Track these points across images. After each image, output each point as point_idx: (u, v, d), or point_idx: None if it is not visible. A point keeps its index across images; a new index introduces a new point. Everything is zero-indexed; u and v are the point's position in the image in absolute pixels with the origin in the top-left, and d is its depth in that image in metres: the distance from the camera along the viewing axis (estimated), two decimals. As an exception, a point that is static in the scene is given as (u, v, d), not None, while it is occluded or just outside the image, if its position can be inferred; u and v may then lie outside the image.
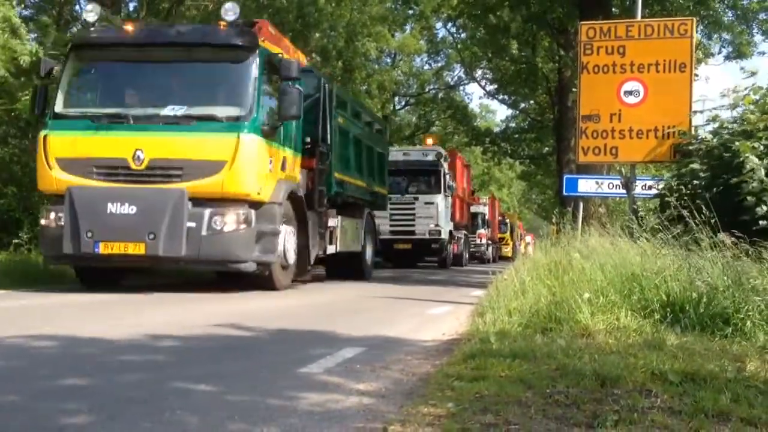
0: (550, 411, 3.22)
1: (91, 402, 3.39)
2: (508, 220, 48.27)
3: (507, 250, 45.11)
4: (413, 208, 22.71)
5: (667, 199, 8.28)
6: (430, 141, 25.39)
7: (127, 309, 7.81)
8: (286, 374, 4.14)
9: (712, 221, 6.38)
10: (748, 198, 7.75)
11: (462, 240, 27.43)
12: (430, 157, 23.16)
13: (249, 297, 9.55)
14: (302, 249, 11.05)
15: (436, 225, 22.67)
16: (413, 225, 22.62)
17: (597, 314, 5.53)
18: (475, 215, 35.07)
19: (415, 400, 3.47)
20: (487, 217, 37.68)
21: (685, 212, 6.63)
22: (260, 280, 10.14)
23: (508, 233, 46.83)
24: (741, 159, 7.96)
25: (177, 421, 3.10)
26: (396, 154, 22.18)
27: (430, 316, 7.64)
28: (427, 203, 22.72)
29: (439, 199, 22.96)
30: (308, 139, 11.74)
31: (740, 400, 3.33)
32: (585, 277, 6.47)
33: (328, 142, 12.25)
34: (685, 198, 8.04)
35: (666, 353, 4.34)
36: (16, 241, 13.22)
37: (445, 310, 8.16)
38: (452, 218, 25.23)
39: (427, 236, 22.64)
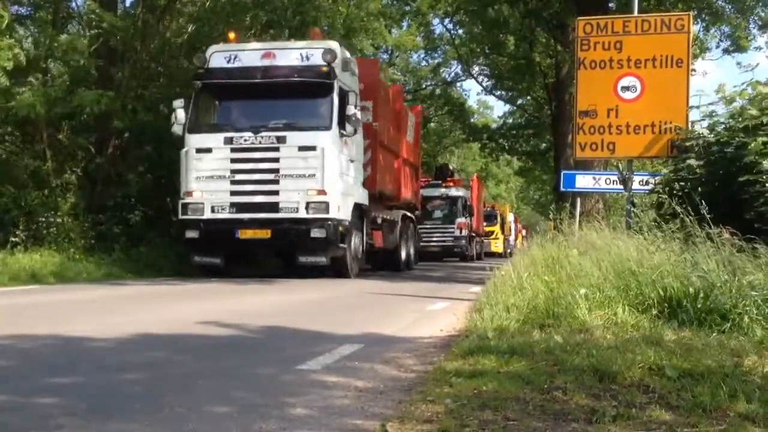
0: (548, 407, 3.22)
1: (88, 399, 3.39)
2: (497, 211, 43.52)
3: (497, 246, 40.81)
4: (275, 161, 12.81)
5: (661, 198, 8.26)
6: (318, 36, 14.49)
7: (119, 307, 7.80)
8: (284, 371, 4.14)
9: (709, 217, 6.38)
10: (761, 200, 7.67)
11: (400, 227, 17.57)
12: (314, 60, 13.07)
13: (245, 293, 9.54)
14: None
15: (320, 192, 12.63)
16: (273, 194, 12.81)
17: (594, 310, 5.54)
18: (453, 200, 30.30)
19: (414, 396, 3.47)
20: (468, 202, 31.50)
21: (679, 209, 6.62)
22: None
23: (497, 226, 41.88)
24: (752, 157, 7.90)
25: (175, 418, 3.10)
26: (249, 55, 13.47)
27: (428, 313, 7.64)
28: (303, 149, 12.69)
29: (328, 142, 12.72)
30: None
31: (738, 395, 3.33)
32: (582, 273, 6.48)
33: None
34: (682, 193, 8.03)
35: (663, 348, 4.34)
36: (14, 239, 13.22)
37: (442, 307, 8.16)
38: (377, 186, 15.50)
39: (298, 214, 12.64)
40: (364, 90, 14.71)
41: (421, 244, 27.49)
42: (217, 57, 13.43)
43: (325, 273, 13.30)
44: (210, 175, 12.87)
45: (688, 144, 9.78)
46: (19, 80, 14.22)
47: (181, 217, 13.06)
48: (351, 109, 12.94)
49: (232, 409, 3.24)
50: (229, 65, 13.32)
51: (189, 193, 12.96)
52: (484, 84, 37.63)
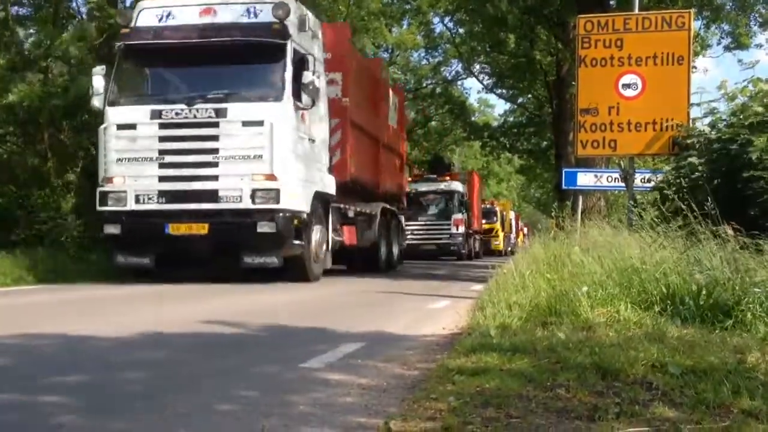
0: (551, 404, 3.21)
1: (91, 398, 3.39)
2: (497, 208, 42.54)
3: (496, 244, 40.05)
4: (213, 139, 10.63)
5: (665, 191, 8.26)
6: None
7: (120, 306, 7.81)
8: (287, 369, 4.13)
9: (713, 213, 6.38)
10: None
11: (380, 222, 15.40)
12: (263, 17, 10.93)
13: (247, 292, 9.55)
14: None
15: (268, 177, 10.49)
16: (211, 180, 10.62)
17: (597, 307, 5.53)
18: (448, 195, 28.62)
19: (417, 394, 3.46)
20: (465, 197, 30.14)
21: (684, 205, 6.62)
22: None
23: (497, 223, 40.87)
24: (758, 154, 7.90)
25: (177, 417, 3.10)
26: (184, 12, 11.27)
27: (430, 311, 7.64)
28: (248, 124, 10.52)
29: (279, 116, 10.57)
30: None
31: (741, 392, 3.32)
32: (584, 271, 6.48)
33: None
34: (685, 190, 8.03)
35: (666, 345, 4.33)
36: (14, 238, 13.24)
37: (445, 305, 8.16)
38: (349, 173, 13.51)
39: (242, 204, 10.50)
40: (331, 60, 12.83)
41: (415, 242, 26.26)
42: (147, 15, 11.27)
43: (280, 276, 11.13)
44: (134, 157, 10.70)
45: (689, 141, 9.78)
46: (14, 77, 14.22)
47: (99, 208, 10.92)
48: (308, 76, 10.70)
49: (235, 408, 3.24)
50: (160, 24, 11.18)
51: (108, 180, 10.84)
52: (484, 82, 37.57)
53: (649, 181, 12.21)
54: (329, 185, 12.43)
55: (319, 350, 4.71)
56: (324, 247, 12.07)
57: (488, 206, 41.27)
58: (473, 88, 63.03)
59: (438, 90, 39.80)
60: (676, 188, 8.28)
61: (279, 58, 10.74)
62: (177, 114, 10.63)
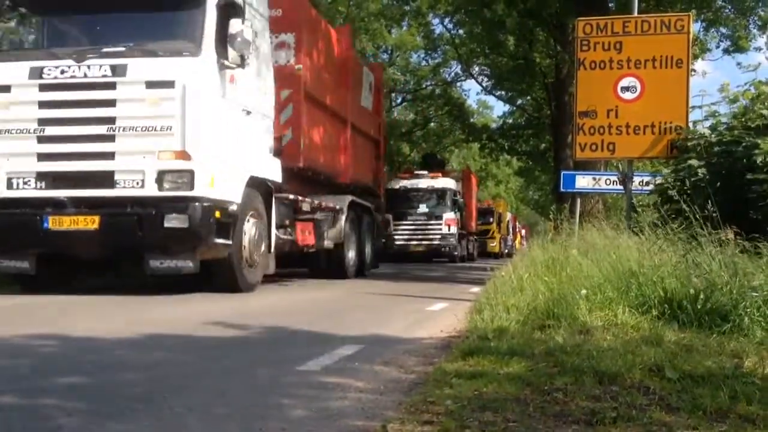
0: (548, 408, 3.21)
1: (89, 400, 3.39)
2: (494, 209, 41.37)
3: (492, 245, 39.06)
4: (108, 105, 8.39)
5: (670, 191, 8.23)
6: None
7: (119, 307, 7.79)
8: (284, 372, 4.13)
9: (714, 215, 6.38)
10: None
11: (347, 219, 13.18)
12: None
13: (243, 295, 9.53)
14: None
15: (179, 155, 8.30)
16: (105, 159, 8.39)
17: (595, 311, 5.54)
18: (440, 193, 26.84)
19: (414, 397, 3.46)
20: (458, 196, 28.38)
21: (685, 207, 6.61)
22: None
23: (494, 224, 39.64)
24: (763, 157, 7.89)
25: (175, 419, 3.10)
26: None
27: (428, 313, 7.64)
28: (153, 85, 8.32)
29: (196, 75, 8.41)
30: None
31: (738, 397, 3.32)
32: (582, 274, 6.48)
33: None
34: (683, 193, 8.03)
35: (664, 350, 4.34)
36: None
37: (442, 307, 8.16)
38: (304, 157, 11.56)
39: (144, 190, 8.32)
40: (282, 18, 10.86)
41: (404, 243, 25.07)
42: None
43: (200, 284, 9.09)
44: (6, 129, 8.41)
45: (689, 144, 9.78)
46: None
47: None
48: (236, 25, 8.47)
49: (232, 410, 3.24)
50: None
51: None
52: (483, 84, 37.73)
53: (647, 184, 12.21)
54: (273, 170, 10.10)
55: (317, 353, 4.70)
56: (262, 247, 9.69)
57: (484, 206, 40.78)
58: (472, 90, 63.31)
59: (437, 91, 39.88)
60: (677, 191, 8.28)
61: (197, 1, 8.50)
62: (63, 72, 8.26)
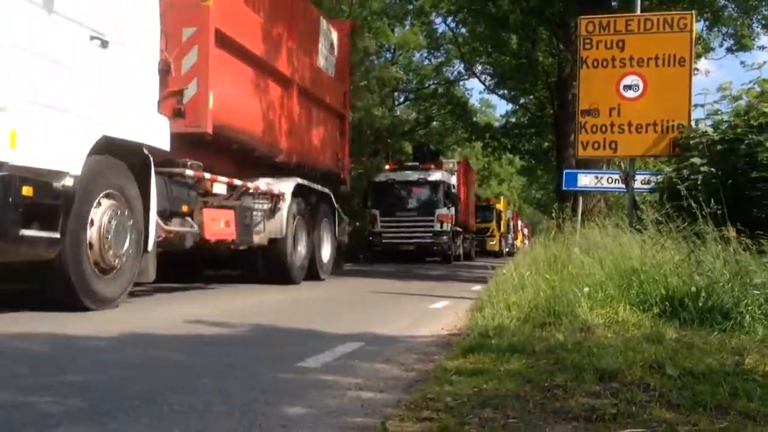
0: (548, 405, 3.21)
1: (88, 398, 3.39)
2: (494, 206, 40.12)
3: (492, 244, 38.06)
4: None
5: (678, 186, 8.21)
6: None
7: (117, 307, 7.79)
8: (283, 370, 4.13)
9: (718, 213, 6.36)
10: None
11: (291, 208, 10.88)
12: None
13: (243, 293, 9.54)
14: None
15: None
16: None
17: (596, 308, 5.54)
18: (432, 186, 24.38)
19: (414, 394, 3.46)
20: (452, 190, 25.86)
21: (693, 204, 6.59)
22: None
23: (493, 222, 38.43)
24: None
25: (175, 417, 3.10)
26: None
27: (429, 311, 7.64)
28: None
29: None
30: None
31: (739, 394, 3.32)
32: (584, 272, 6.48)
33: None
34: (686, 192, 8.01)
35: (665, 347, 4.33)
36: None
37: (444, 305, 8.16)
38: (214, 117, 8.82)
39: None
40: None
41: (392, 240, 23.19)
42: None
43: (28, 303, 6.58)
44: None
45: (691, 142, 9.76)
46: None
47: None
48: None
49: (232, 408, 3.23)
50: None
51: None
52: (486, 83, 37.65)
53: (649, 182, 12.19)
54: (154, 132, 7.36)
55: (317, 350, 4.70)
56: (126, 244, 6.93)
57: (484, 203, 39.76)
58: (475, 89, 63.19)
59: (440, 90, 39.84)
60: (685, 186, 8.26)
61: None
62: None
